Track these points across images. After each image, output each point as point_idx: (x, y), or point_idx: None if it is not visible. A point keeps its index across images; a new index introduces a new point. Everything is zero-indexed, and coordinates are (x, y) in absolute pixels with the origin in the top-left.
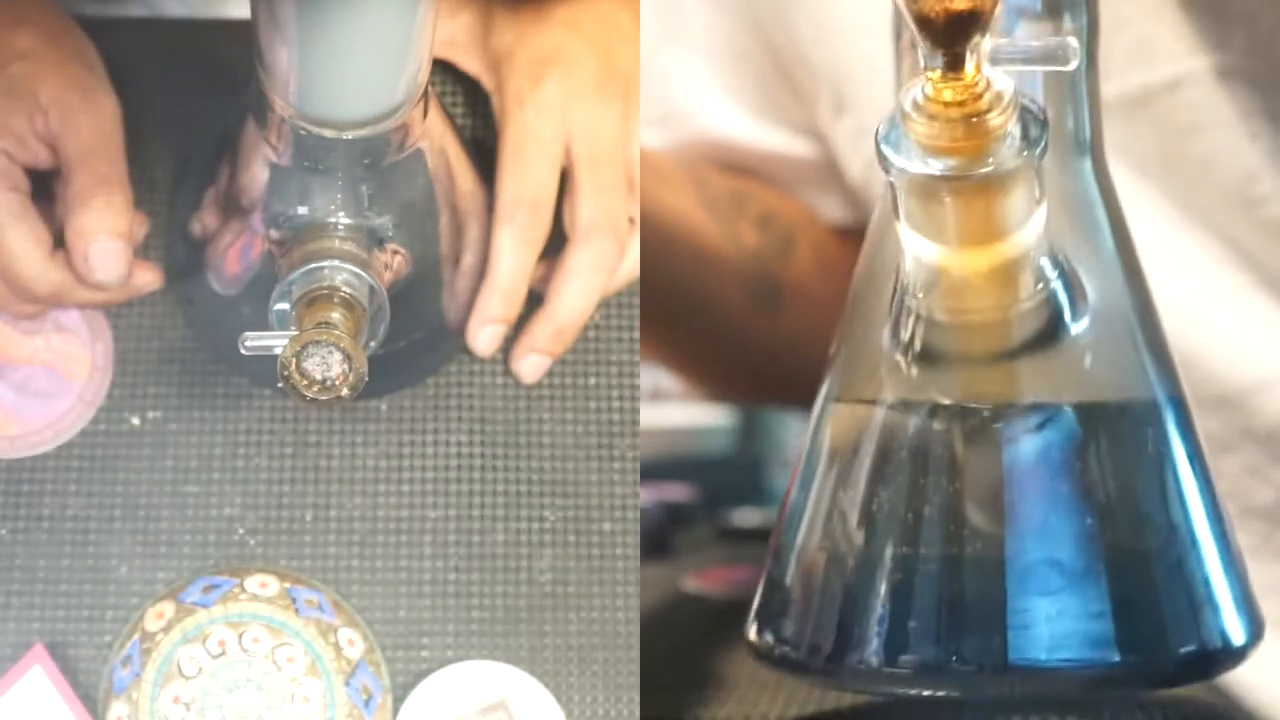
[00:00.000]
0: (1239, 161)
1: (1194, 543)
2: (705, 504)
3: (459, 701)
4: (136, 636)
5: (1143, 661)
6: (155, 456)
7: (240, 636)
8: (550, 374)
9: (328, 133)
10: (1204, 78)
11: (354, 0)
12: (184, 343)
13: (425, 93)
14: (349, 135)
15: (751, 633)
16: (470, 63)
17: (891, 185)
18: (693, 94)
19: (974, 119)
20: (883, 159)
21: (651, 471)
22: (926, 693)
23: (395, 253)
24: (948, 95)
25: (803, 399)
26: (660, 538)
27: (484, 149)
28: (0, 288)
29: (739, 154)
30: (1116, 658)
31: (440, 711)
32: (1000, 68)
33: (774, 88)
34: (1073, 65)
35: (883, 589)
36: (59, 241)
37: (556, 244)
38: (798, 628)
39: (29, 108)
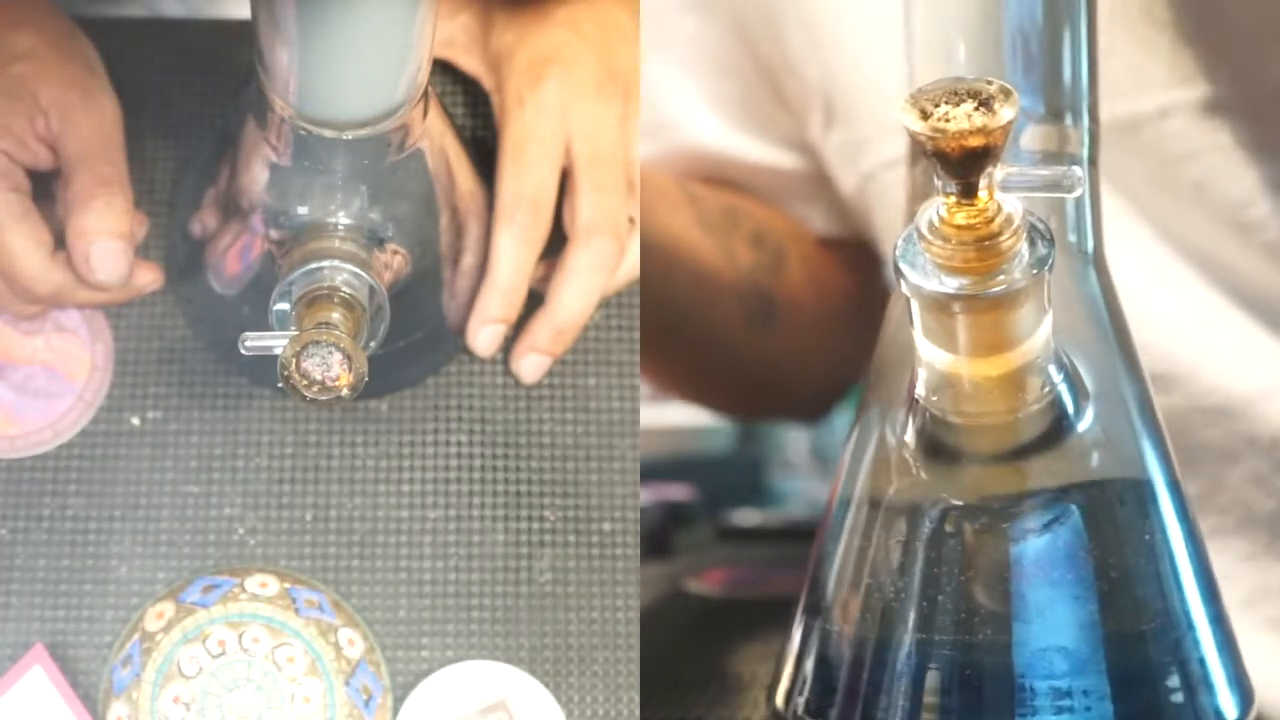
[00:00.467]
0: (1231, 188)
1: (1190, 625)
2: (705, 504)
3: (459, 701)
4: (136, 636)
5: None
6: (155, 456)
7: (240, 636)
8: (550, 374)
9: (328, 133)
10: (1193, 107)
11: (354, 0)
12: (184, 343)
13: (425, 93)
14: (349, 135)
15: (780, 702)
16: (470, 63)
17: (904, 298)
18: (678, 106)
19: (986, 241)
20: (899, 275)
21: (651, 471)
22: None
23: (395, 253)
24: (961, 219)
25: (795, 414)
26: (660, 538)
27: (484, 149)
28: (1, 288)
29: (725, 165)
30: None
31: (440, 711)
32: (1009, 194)
33: (761, 100)
34: (1077, 193)
35: (901, 672)
36: (59, 242)
37: (556, 244)
38: (821, 705)
39: (29, 109)
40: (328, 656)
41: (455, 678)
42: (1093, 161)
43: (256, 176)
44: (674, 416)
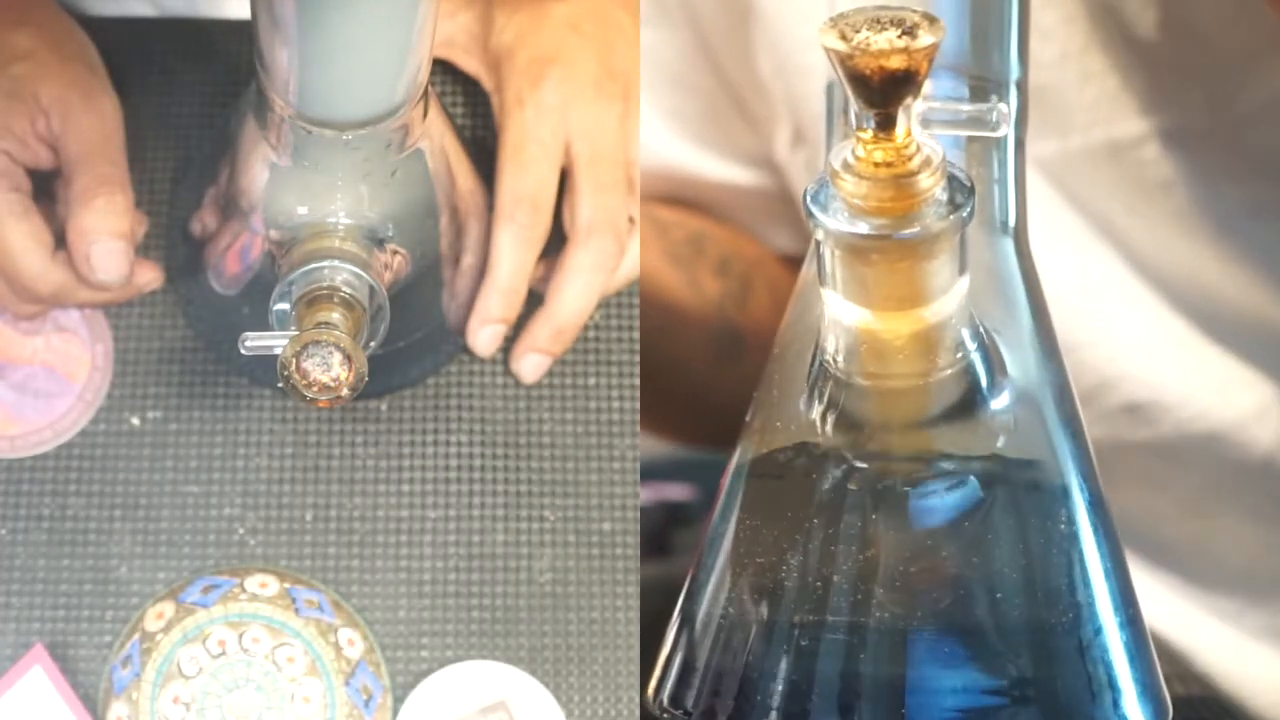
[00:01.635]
0: (1210, 218)
1: (1097, 626)
2: (705, 504)
3: (459, 701)
4: (136, 636)
5: None
6: (155, 456)
7: (240, 636)
8: (550, 374)
9: (328, 133)
10: (1170, 134)
11: (354, 0)
12: (184, 343)
13: (425, 93)
14: (349, 135)
15: (651, 696)
16: (470, 63)
17: (819, 247)
18: None
19: (903, 180)
20: (811, 218)
21: (651, 471)
22: None
23: (395, 253)
24: (878, 156)
25: None
26: (660, 538)
27: (484, 149)
28: (1, 287)
29: (687, 184)
30: None
31: (440, 711)
32: (931, 130)
33: (723, 116)
34: (1001, 131)
35: (786, 658)
36: (60, 241)
37: (556, 244)
38: (697, 696)
39: (30, 109)
40: (328, 656)
41: (455, 678)
42: (1020, 143)
43: (256, 176)
44: None
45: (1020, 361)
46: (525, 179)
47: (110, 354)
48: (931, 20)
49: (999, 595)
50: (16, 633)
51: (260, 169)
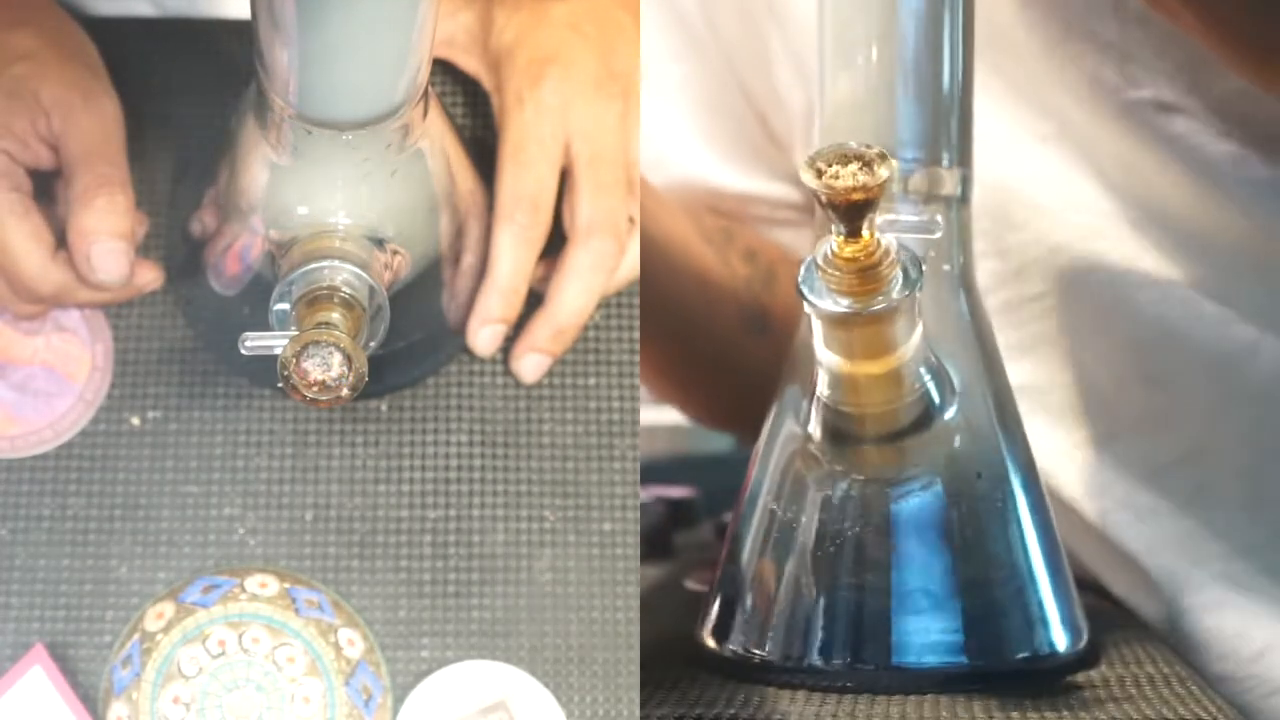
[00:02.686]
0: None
1: (1031, 576)
2: (705, 504)
3: (459, 701)
4: (136, 636)
5: (986, 664)
6: (155, 456)
7: (240, 636)
8: (550, 374)
9: (328, 133)
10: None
11: (354, 0)
12: (184, 343)
13: (425, 93)
14: (349, 135)
15: (707, 639)
16: (470, 63)
17: (808, 315)
18: (671, 141)
19: (868, 271)
20: (802, 297)
21: (651, 471)
22: (837, 683)
23: (395, 253)
24: (848, 253)
25: None
26: (660, 538)
27: (484, 149)
28: (2, 287)
29: (719, 197)
30: (966, 660)
31: (440, 711)
32: (887, 234)
33: (752, 135)
34: (937, 235)
35: (804, 610)
36: (61, 241)
37: (556, 244)
38: (745, 639)
39: (31, 109)
40: (328, 656)
41: (455, 678)
42: (964, 200)
43: (256, 176)
44: (674, 416)
45: (965, 376)
46: (525, 179)
47: (110, 354)
48: (884, 157)
49: (954, 559)
50: (16, 633)
51: (260, 169)
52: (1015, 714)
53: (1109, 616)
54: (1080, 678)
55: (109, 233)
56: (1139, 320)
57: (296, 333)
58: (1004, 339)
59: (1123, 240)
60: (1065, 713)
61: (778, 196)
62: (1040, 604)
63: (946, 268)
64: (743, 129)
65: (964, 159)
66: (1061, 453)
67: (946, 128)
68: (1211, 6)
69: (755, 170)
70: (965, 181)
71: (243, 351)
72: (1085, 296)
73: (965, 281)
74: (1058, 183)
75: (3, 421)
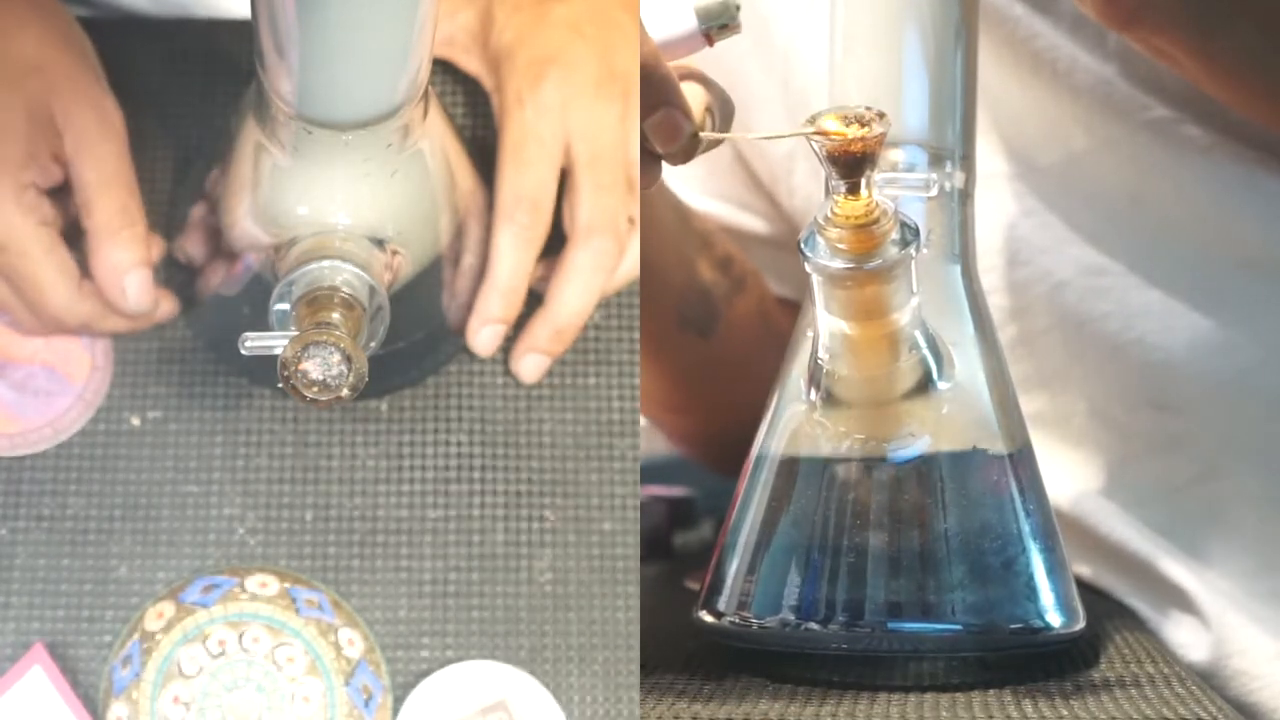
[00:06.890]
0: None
1: (1024, 550)
2: (705, 504)
3: (459, 701)
4: (136, 636)
5: (979, 630)
6: (155, 456)
7: (240, 636)
8: (550, 374)
9: (328, 133)
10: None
11: (354, 0)
12: (184, 343)
13: (425, 93)
14: (349, 135)
15: (704, 613)
16: (470, 63)
17: (810, 276)
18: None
19: (866, 228)
20: (804, 256)
21: (651, 471)
22: (834, 646)
23: (395, 253)
24: (849, 211)
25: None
26: (660, 538)
27: (484, 149)
28: (28, 318)
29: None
30: (960, 627)
31: (440, 711)
32: (885, 192)
33: (732, 175)
34: (933, 193)
35: (801, 574)
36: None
37: (556, 244)
38: (742, 607)
39: (48, 132)
40: (328, 656)
41: (455, 678)
42: (966, 195)
43: (256, 176)
44: None
45: (964, 357)
46: (525, 179)
47: (110, 354)
48: (881, 115)
49: (948, 527)
50: (16, 633)
51: (260, 169)
52: (1015, 714)
53: (1113, 616)
54: (1080, 677)
55: (138, 264)
56: (1146, 345)
57: (296, 333)
58: (1017, 371)
59: (1124, 271)
60: (1065, 712)
61: (749, 229)
62: (1032, 578)
63: (948, 256)
64: (719, 165)
65: (967, 156)
66: (1080, 478)
67: (952, 125)
68: (1218, 59)
69: (729, 201)
70: (968, 178)
71: (243, 351)
72: (1090, 329)
73: (965, 264)
74: (1057, 215)
75: (2, 421)
